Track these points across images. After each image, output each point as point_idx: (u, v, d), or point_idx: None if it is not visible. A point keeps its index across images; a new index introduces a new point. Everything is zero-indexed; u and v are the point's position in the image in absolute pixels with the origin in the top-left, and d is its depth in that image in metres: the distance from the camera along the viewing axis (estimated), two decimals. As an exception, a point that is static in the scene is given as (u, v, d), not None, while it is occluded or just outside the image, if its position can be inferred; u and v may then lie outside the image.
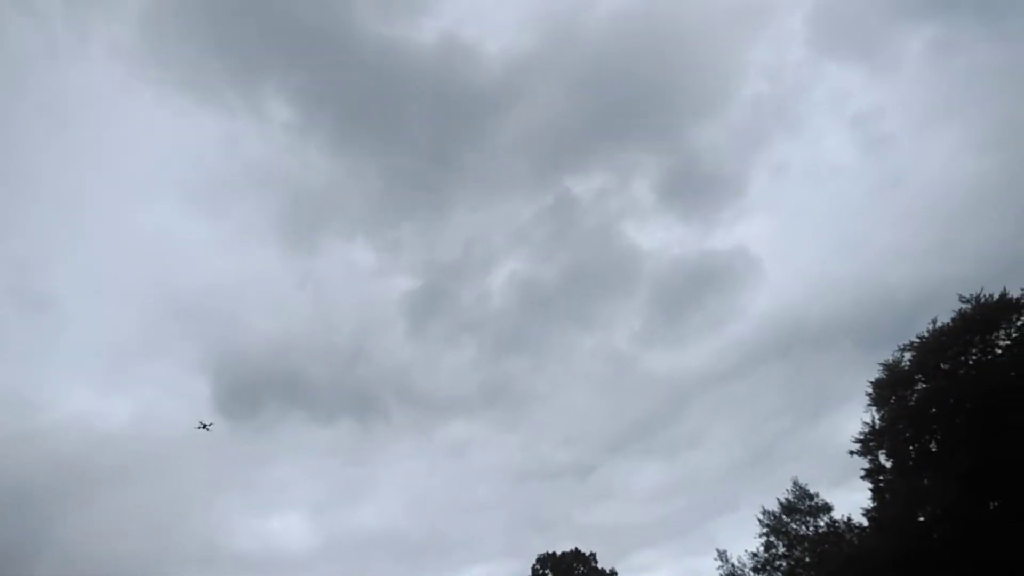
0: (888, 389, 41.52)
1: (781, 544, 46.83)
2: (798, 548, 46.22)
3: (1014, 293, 39.17)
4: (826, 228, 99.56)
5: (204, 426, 63.37)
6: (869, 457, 41.98)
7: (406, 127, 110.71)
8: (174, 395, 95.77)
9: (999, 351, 39.08)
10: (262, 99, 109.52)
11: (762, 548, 47.21)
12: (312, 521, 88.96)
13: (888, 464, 41.55)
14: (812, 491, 47.54)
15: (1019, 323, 38.83)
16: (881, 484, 41.66)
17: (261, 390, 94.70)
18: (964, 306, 40.05)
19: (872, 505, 42.09)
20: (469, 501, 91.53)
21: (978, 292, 39.84)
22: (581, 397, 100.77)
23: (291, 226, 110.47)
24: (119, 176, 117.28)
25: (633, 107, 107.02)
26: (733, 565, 48.03)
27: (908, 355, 41.19)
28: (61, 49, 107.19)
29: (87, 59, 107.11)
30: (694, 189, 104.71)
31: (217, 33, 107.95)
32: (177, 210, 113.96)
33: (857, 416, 43.10)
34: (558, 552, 60.68)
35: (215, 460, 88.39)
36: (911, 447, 40.58)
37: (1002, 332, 39.21)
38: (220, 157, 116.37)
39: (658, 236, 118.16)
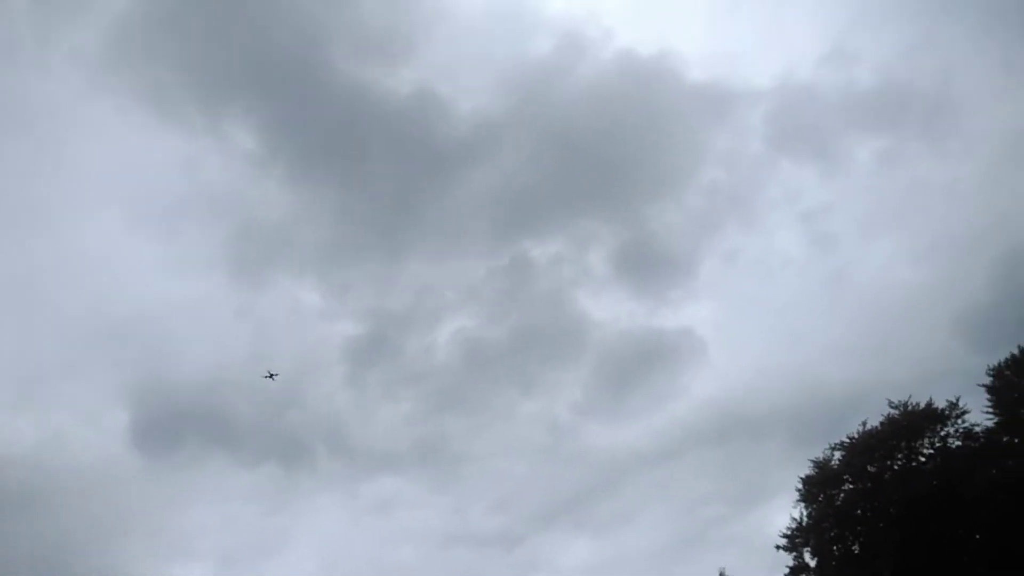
0: (817, 486, 42.03)
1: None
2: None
3: (940, 403, 40.64)
4: (771, 319, 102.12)
5: (271, 375, 67.97)
6: (794, 554, 42.05)
7: (370, 171, 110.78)
8: (87, 422, 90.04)
9: (923, 459, 40.21)
10: (226, 124, 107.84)
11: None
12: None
13: (813, 563, 41.66)
14: (737, 584, 47.20)
15: (942, 433, 40.18)
16: (804, 583, 41.67)
17: (183, 426, 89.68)
18: (893, 411, 41.30)
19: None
20: (391, 561, 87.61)
21: (906, 399, 41.27)
22: (516, 463, 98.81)
23: (239, 257, 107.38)
24: (65, 187, 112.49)
25: (596, 178, 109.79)
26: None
27: (838, 454, 41.98)
28: (20, 51, 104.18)
29: (46, 64, 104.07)
30: (647, 266, 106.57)
31: (188, 50, 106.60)
32: (122, 228, 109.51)
33: (787, 510, 43.39)
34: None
35: (123, 496, 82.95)
36: (835, 547, 40.86)
37: (926, 440, 40.45)
38: (175, 178, 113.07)
39: (608, 307, 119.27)
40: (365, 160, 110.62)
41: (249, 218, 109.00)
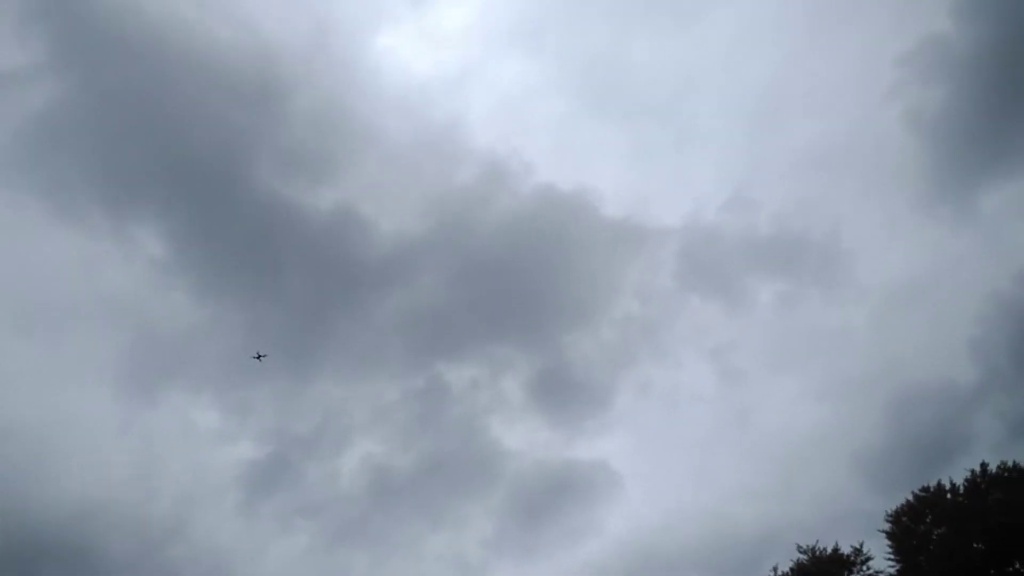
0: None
1: None
2: None
3: (845, 548, 40.76)
4: (683, 454, 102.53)
5: (259, 356, 69.21)
6: None
7: (284, 286, 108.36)
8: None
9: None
10: (133, 227, 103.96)
11: None
12: None
13: None
14: None
15: (851, 580, 40.00)
16: None
17: (41, 562, 78.59)
18: (801, 556, 41.12)
19: None
20: None
21: (814, 544, 41.31)
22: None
23: (131, 370, 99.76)
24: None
25: (514, 305, 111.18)
26: None
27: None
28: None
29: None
30: (563, 395, 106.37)
31: (100, 148, 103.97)
32: (5, 329, 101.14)
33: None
34: None
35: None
36: None
37: (835, 587, 40.10)
38: (71, 279, 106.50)
39: (523, 437, 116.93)
40: (279, 275, 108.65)
41: (147, 328, 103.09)
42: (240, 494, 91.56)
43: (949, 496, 38.88)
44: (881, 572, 39.60)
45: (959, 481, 38.94)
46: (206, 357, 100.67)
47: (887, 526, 40.17)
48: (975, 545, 36.47)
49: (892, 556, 39.45)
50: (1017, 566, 36.11)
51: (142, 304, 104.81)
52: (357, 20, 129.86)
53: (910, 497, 40.00)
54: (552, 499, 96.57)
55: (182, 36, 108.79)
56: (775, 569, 41.46)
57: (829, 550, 40.74)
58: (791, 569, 40.91)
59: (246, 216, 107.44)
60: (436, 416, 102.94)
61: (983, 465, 38.66)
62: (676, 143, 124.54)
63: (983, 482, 38.10)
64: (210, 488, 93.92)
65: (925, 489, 39.66)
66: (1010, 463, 38.30)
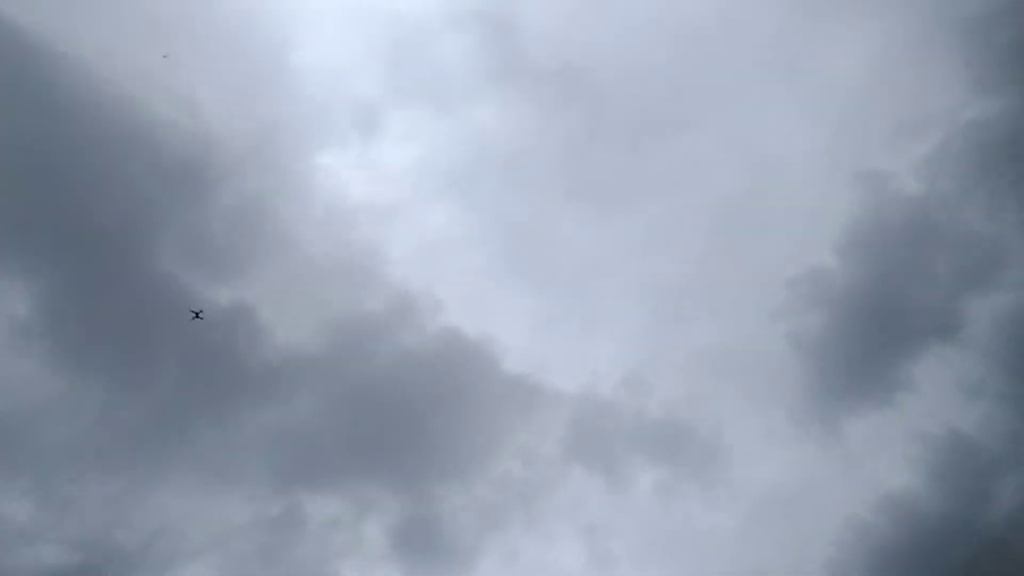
0: None
1: None
2: None
3: None
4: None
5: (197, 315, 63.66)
6: None
7: (151, 378, 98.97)
8: None
9: None
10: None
11: None
12: None
13: None
14: None
15: None
16: None
17: None
18: None
19: None
20: None
21: None
22: None
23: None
24: None
25: (393, 444, 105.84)
26: None
27: None
28: None
29: None
30: (426, 550, 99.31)
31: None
32: None
33: None
34: None
35: None
36: None
37: None
38: None
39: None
40: (151, 364, 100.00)
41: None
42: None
43: None
44: None
45: None
46: (40, 436, 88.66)
47: None
48: None
49: None
50: None
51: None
52: (303, 132, 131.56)
53: None
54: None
55: (118, 100, 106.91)
56: None
57: None
58: None
59: (132, 293, 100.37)
60: (283, 551, 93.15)
61: None
62: (581, 318, 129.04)
63: None
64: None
65: None
66: None
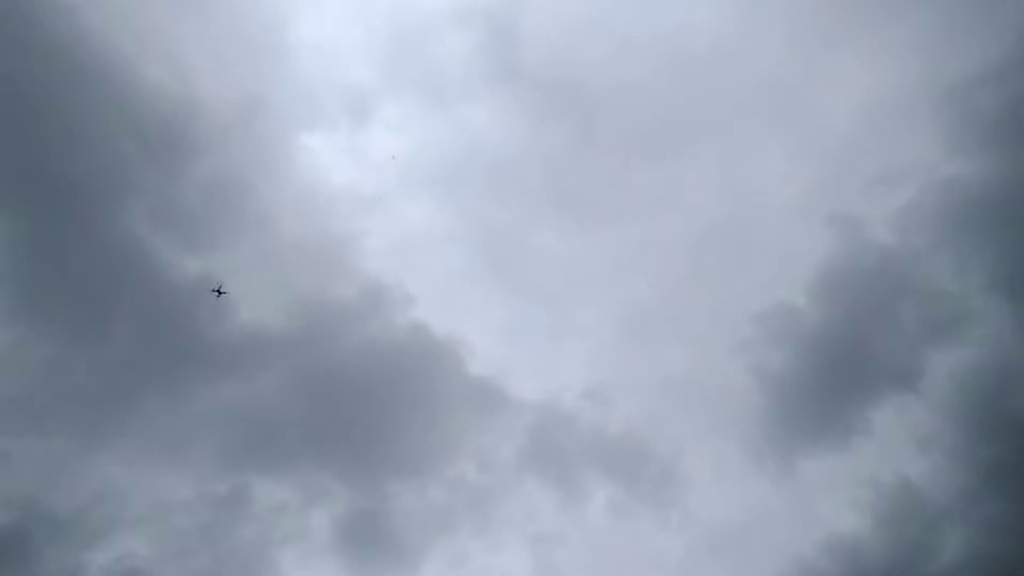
0: None
1: None
2: None
3: None
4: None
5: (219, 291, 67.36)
6: None
7: (106, 338, 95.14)
8: None
9: None
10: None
11: None
12: None
13: None
14: None
15: None
16: None
17: None
18: None
19: None
20: None
21: None
22: None
23: None
24: None
25: (350, 434, 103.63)
26: None
27: None
28: None
29: None
30: (372, 546, 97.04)
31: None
32: None
33: None
34: None
35: None
36: None
37: None
38: None
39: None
40: (108, 323, 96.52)
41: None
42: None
43: None
44: None
45: None
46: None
47: None
48: None
49: None
50: None
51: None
52: (292, 111, 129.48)
53: None
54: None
55: (108, 57, 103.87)
56: None
57: None
58: None
59: (95, 250, 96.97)
60: (225, 531, 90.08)
61: None
62: (551, 328, 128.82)
63: None
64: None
65: None
66: None
